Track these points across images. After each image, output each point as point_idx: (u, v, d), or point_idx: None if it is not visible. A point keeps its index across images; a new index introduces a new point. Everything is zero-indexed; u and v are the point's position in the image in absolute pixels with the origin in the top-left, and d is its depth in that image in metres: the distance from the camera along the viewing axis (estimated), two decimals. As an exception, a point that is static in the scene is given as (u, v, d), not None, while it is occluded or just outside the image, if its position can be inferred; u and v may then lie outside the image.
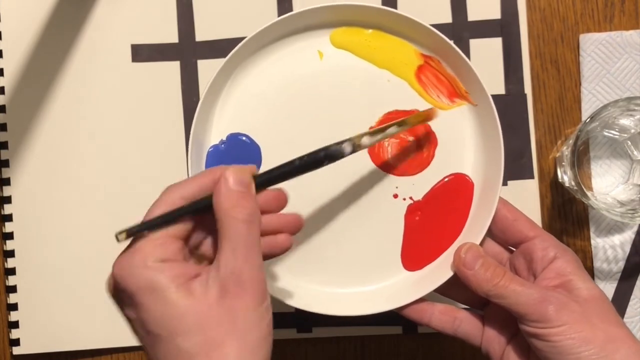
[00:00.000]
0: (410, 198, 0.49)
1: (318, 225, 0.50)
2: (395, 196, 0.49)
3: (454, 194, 0.48)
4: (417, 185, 0.49)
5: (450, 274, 0.46)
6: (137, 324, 0.36)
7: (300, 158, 0.40)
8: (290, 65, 0.48)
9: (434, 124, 0.48)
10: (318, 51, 0.48)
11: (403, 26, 0.47)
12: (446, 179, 0.49)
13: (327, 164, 0.41)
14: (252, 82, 0.49)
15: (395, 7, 0.57)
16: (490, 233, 0.47)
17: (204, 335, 0.34)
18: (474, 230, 0.47)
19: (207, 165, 0.50)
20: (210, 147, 0.50)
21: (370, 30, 0.48)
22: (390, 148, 0.49)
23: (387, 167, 0.49)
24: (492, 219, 0.46)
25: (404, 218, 0.49)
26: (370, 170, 0.49)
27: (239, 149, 0.50)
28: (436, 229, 0.48)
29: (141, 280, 0.35)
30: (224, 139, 0.50)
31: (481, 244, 0.47)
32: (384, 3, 0.57)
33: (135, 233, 0.36)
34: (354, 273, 0.49)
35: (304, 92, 0.48)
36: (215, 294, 0.35)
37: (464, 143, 0.49)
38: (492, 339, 0.46)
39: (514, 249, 0.48)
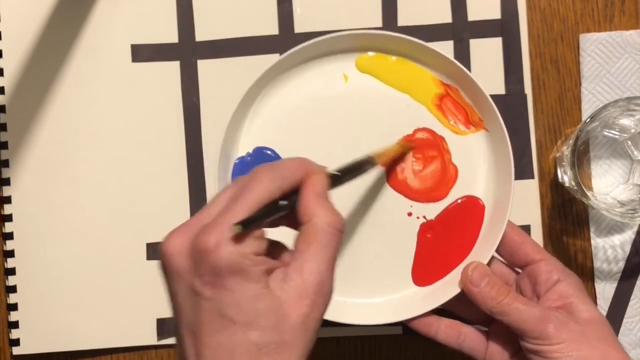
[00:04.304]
0: (424, 217, 0.51)
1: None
2: (410, 214, 0.52)
3: (466, 215, 0.51)
4: (431, 206, 0.51)
5: (457, 290, 0.48)
6: (209, 303, 0.34)
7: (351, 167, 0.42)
8: (317, 86, 0.51)
9: (452, 149, 0.51)
10: (344, 74, 0.51)
11: (426, 55, 0.50)
12: (459, 201, 0.51)
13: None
14: (280, 100, 0.51)
15: (395, 8, 0.57)
16: (499, 254, 0.49)
17: (279, 336, 0.34)
18: (482, 251, 0.49)
19: (234, 174, 0.52)
20: (237, 159, 0.52)
21: (395, 58, 0.51)
22: (408, 174, 0.52)
23: (405, 191, 0.51)
24: (501, 242, 0.48)
25: (417, 236, 0.51)
26: (388, 191, 0.52)
27: (263, 162, 0.51)
28: (446, 247, 0.51)
29: (235, 266, 0.34)
30: (250, 151, 0.52)
31: (489, 263, 0.49)
32: (384, 5, 0.57)
33: (249, 226, 0.34)
34: (366, 284, 0.51)
35: (328, 112, 0.51)
36: (294, 296, 0.35)
37: (477, 167, 0.51)
38: (495, 355, 0.48)
39: (521, 271, 0.50)
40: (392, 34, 0.49)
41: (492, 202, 0.50)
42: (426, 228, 0.51)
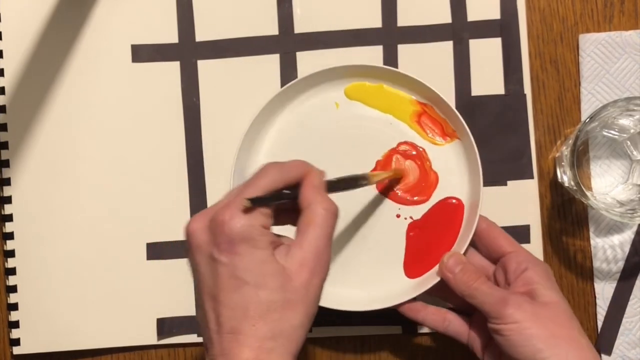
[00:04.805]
0: (411, 217, 0.57)
1: (336, 240, 0.56)
2: (398, 216, 0.57)
3: (448, 214, 0.56)
4: (416, 207, 0.57)
5: (438, 278, 0.53)
6: (225, 268, 0.40)
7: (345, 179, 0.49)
8: (314, 112, 0.58)
9: (432, 158, 0.57)
10: (335, 102, 0.58)
11: (403, 81, 0.57)
12: (441, 202, 0.57)
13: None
14: (284, 123, 0.58)
15: (395, 8, 0.57)
16: (479, 249, 0.55)
17: (284, 295, 0.40)
18: (461, 244, 0.55)
19: None
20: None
21: (377, 84, 0.58)
22: (396, 183, 0.58)
23: (393, 196, 0.57)
24: (479, 237, 0.54)
25: (406, 234, 0.57)
26: (378, 197, 0.57)
27: None
28: (432, 243, 0.56)
29: (246, 234, 0.40)
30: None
31: (468, 255, 0.54)
32: (384, 5, 0.57)
33: (257, 203, 0.41)
34: (363, 278, 0.57)
35: (324, 133, 0.58)
36: (296, 265, 0.41)
37: (454, 172, 0.57)
38: (475, 339, 0.53)
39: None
40: (374, 65, 0.57)
41: (469, 201, 0.56)
42: (413, 227, 0.57)
